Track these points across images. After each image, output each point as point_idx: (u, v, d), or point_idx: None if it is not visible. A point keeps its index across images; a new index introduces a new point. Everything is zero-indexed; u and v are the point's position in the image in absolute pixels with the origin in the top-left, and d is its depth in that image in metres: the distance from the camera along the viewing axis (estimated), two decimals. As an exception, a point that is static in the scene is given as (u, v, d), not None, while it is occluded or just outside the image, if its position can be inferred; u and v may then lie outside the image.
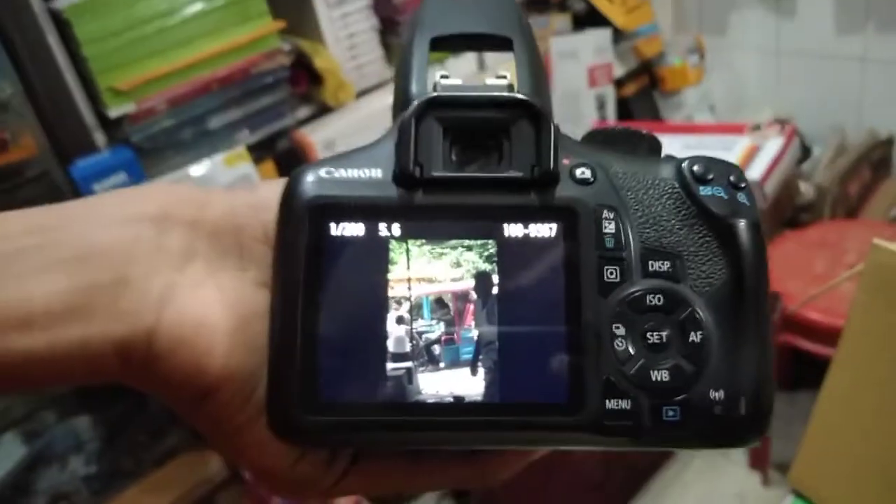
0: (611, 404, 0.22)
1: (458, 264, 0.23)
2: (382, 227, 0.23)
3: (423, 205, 0.23)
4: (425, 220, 0.23)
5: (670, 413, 0.22)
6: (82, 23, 1.09)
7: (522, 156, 0.23)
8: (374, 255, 0.23)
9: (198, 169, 1.21)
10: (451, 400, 0.22)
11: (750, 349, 0.22)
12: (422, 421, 0.22)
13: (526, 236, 0.23)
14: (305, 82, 1.34)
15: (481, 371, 0.22)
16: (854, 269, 1.17)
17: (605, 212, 0.23)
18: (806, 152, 1.70)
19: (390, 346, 0.23)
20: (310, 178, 0.24)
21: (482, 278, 0.23)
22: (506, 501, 1.32)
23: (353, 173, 0.24)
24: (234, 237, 0.25)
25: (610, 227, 0.23)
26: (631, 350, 0.22)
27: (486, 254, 0.23)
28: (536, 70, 0.25)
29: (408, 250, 0.23)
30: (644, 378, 0.22)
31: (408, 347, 0.23)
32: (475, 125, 0.24)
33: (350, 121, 1.36)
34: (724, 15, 1.89)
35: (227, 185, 1.22)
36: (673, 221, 0.23)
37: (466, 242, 0.23)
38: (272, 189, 0.25)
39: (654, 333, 0.22)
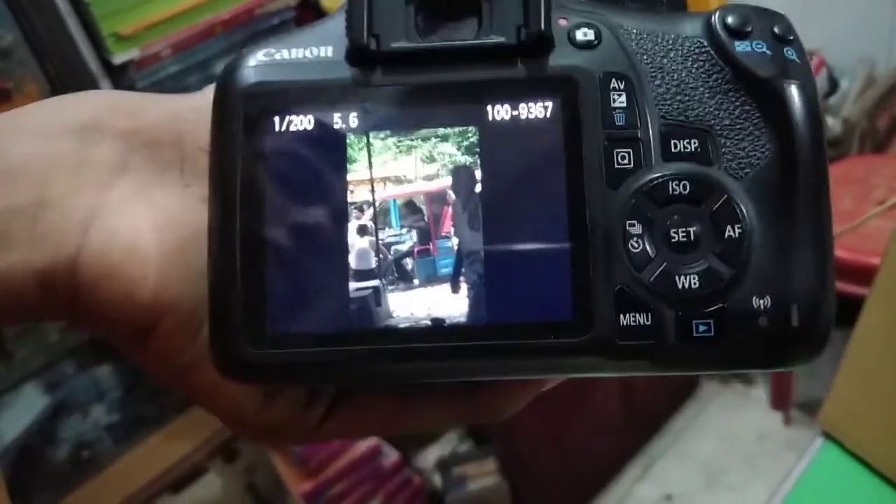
0: (626, 319, 0.18)
1: (431, 158, 0.19)
2: (336, 117, 0.19)
3: (385, 86, 0.19)
4: (388, 105, 0.19)
5: (702, 328, 0.18)
6: (81, -35, 1.05)
7: (506, 17, 0.19)
8: (328, 152, 0.19)
9: (206, 115, 1.19)
10: (429, 323, 0.19)
11: (804, 245, 0.18)
12: (395, 350, 0.19)
13: (515, 118, 0.19)
14: (313, 23, 1.30)
15: (464, 287, 0.19)
16: (883, 205, 1.13)
17: (614, 81, 0.19)
18: (833, 85, 1.64)
19: (352, 261, 0.19)
20: (247, 62, 0.20)
21: (462, 174, 0.19)
22: (524, 448, 1.33)
23: (298, 54, 0.20)
24: (175, 147, 0.22)
25: (620, 100, 0.19)
26: (650, 252, 0.18)
27: (465, 143, 0.19)
28: None
29: (369, 144, 0.19)
30: (667, 285, 0.18)
31: (373, 263, 0.19)
32: None
33: None
34: (749, -58, 1.81)
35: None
36: (702, 89, 0.19)
37: (441, 131, 0.19)
38: None
39: (680, 230, 0.18)
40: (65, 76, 1.10)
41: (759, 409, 1.60)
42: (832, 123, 1.55)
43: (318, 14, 1.28)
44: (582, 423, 1.38)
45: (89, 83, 1.13)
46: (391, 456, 1.27)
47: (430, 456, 1.41)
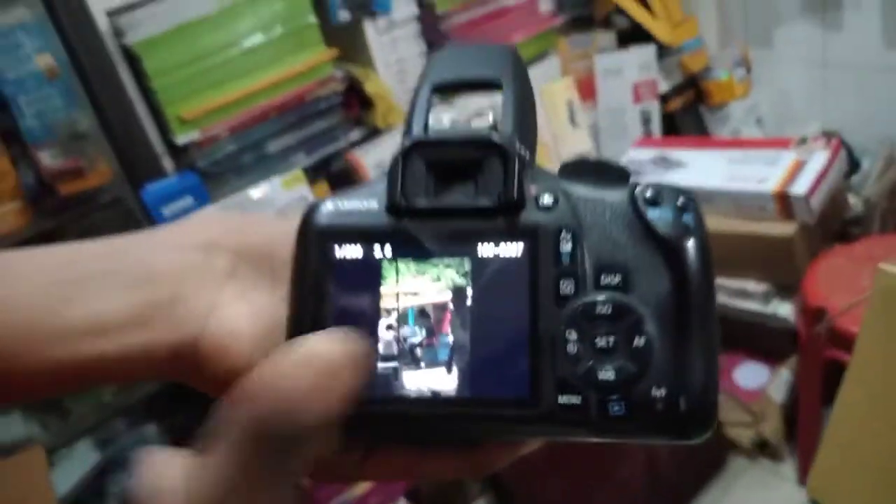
0: (563, 399, 0.25)
1: (438, 279, 0.27)
2: (377, 248, 0.27)
3: (410, 230, 0.27)
4: (411, 242, 0.27)
5: (616, 408, 0.25)
6: (151, 57, 1.17)
7: (492, 187, 0.27)
8: (370, 272, 0.27)
9: (257, 191, 1.28)
10: (430, 395, 0.26)
11: (693, 354, 0.25)
12: (405, 413, 0.26)
13: (496, 255, 0.26)
14: (357, 106, 1.40)
15: (455, 370, 0.26)
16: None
17: (564, 232, 0.26)
18: (854, 165, 1.69)
19: (380, 348, 0.26)
20: (320, 209, 0.28)
21: (458, 291, 0.26)
22: (552, 512, 1.35)
23: (354, 205, 0.28)
24: (269, 261, 0.29)
25: (567, 247, 0.26)
26: (582, 353, 0.25)
27: (462, 270, 0.26)
28: (519, 110, 0.28)
29: (397, 268, 0.27)
30: (592, 377, 0.25)
31: (395, 350, 0.26)
32: (452, 162, 0.27)
33: (399, 142, 1.41)
34: (770, 28, 1.89)
35: (284, 205, 1.28)
36: (625, 241, 0.26)
37: (446, 261, 0.27)
38: None
39: (603, 338, 0.25)
40: (132, 156, 1.21)
41: (787, 486, 1.60)
42: (854, 202, 1.60)
43: (363, 99, 1.37)
44: (605, 494, 1.40)
45: (153, 162, 1.23)
46: (421, 519, 1.31)
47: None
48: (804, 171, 1.46)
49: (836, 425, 0.57)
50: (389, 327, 0.26)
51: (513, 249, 0.26)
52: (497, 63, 0.30)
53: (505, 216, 0.27)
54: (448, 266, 0.27)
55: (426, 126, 0.28)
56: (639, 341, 0.25)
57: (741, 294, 1.58)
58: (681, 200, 0.27)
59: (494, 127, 0.28)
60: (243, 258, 0.29)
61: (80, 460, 1.30)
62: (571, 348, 0.25)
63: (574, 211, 0.27)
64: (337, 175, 1.40)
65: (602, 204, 0.27)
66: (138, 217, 1.20)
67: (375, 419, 0.26)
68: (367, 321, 0.27)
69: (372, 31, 1.38)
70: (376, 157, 1.39)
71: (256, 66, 1.26)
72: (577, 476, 1.31)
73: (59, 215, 1.14)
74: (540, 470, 1.33)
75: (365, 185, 0.29)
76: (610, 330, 0.25)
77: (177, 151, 1.24)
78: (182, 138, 1.22)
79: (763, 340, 1.67)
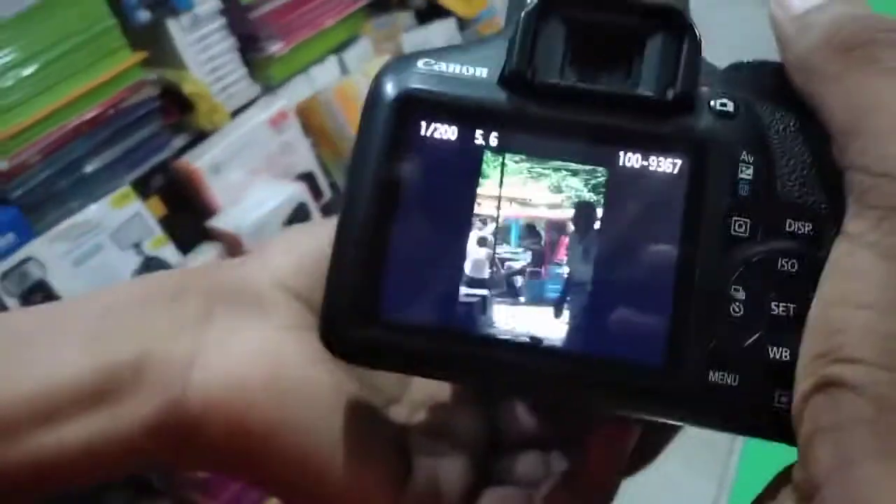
0: (714, 377, 0.18)
1: (558, 189, 0.20)
2: (479, 133, 0.20)
3: (530, 115, 0.20)
4: (529, 132, 0.20)
5: (783, 399, 0.18)
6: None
7: (657, 74, 0.20)
8: (465, 164, 0.20)
9: (85, 215, 1.16)
10: (528, 340, 0.19)
11: None
12: (490, 357, 0.20)
13: (644, 168, 0.20)
14: (176, 111, 1.31)
15: (567, 314, 0.19)
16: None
17: (745, 153, 0.19)
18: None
19: (467, 268, 0.20)
20: (402, 68, 0.20)
21: (584, 209, 0.20)
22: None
23: (454, 69, 0.20)
24: (251, 292, 0.24)
25: (747, 172, 0.19)
26: (750, 319, 0.19)
27: (593, 182, 0.20)
28: None
29: (503, 164, 0.20)
30: (760, 353, 0.18)
31: (486, 273, 0.20)
32: (606, 30, 0.20)
33: (230, 140, 1.35)
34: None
35: (119, 226, 1.19)
36: (826, 176, 0.19)
37: (572, 166, 0.20)
38: (280, 244, 0.25)
39: (781, 305, 0.18)
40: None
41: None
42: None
43: (182, 101, 1.29)
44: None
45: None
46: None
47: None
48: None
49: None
50: (482, 242, 0.20)
51: (670, 164, 0.20)
52: None
53: (669, 117, 0.20)
54: (575, 173, 0.20)
55: None
56: None
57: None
58: None
59: None
60: (218, 300, 0.24)
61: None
62: (736, 310, 0.19)
63: (760, 126, 0.19)
64: (169, 185, 1.31)
65: (797, 122, 0.19)
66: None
67: (448, 358, 0.20)
68: (451, 229, 0.20)
69: (177, 29, 1.30)
70: (208, 159, 1.31)
71: (59, 80, 1.15)
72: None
73: None
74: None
75: (464, 45, 0.21)
76: (792, 294, 0.19)
77: (-17, 186, 1.10)
78: (-14, 170, 1.08)
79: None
